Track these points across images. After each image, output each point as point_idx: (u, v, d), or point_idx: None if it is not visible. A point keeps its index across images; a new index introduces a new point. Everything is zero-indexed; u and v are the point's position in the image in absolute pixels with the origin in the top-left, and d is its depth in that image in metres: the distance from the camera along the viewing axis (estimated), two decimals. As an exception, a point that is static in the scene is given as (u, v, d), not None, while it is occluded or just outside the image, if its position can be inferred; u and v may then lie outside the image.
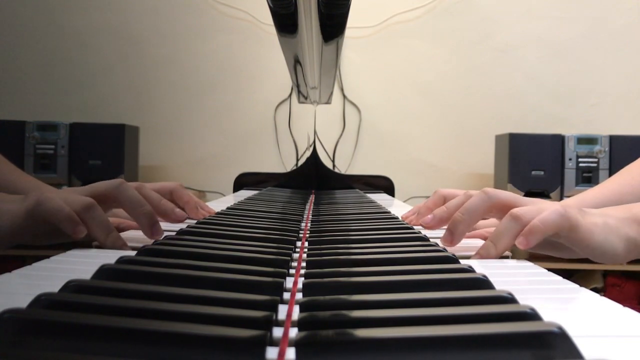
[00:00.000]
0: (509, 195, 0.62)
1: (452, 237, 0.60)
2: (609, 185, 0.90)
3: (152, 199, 0.66)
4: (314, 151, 1.56)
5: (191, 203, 0.82)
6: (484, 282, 0.37)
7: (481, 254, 0.56)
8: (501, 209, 0.60)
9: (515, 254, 0.58)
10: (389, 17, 2.50)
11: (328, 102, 1.55)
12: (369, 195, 1.33)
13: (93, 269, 0.38)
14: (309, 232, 0.67)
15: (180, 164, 2.51)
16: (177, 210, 0.70)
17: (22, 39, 2.50)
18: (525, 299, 0.33)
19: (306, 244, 0.58)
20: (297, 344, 0.26)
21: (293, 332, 0.29)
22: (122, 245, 0.57)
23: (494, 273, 0.42)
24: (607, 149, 2.17)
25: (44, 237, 0.59)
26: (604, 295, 0.38)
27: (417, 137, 2.51)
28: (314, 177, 1.54)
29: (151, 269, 0.39)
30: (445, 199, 0.79)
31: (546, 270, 0.48)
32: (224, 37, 2.51)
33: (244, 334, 0.26)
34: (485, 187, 0.63)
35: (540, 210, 0.55)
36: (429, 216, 0.70)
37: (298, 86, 1.37)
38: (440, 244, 0.58)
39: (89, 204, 0.57)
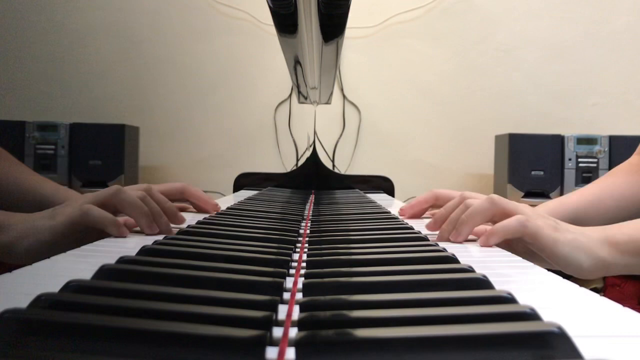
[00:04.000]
0: (513, 204, 0.66)
1: (458, 237, 0.66)
2: (590, 189, 0.95)
3: (158, 201, 0.69)
4: (314, 151, 1.56)
5: (203, 198, 0.89)
6: (483, 282, 0.37)
7: (457, 230, 0.65)
8: (503, 216, 0.65)
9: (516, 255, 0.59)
10: (389, 17, 2.50)
11: (328, 102, 1.55)
12: (369, 195, 1.33)
13: (93, 269, 0.38)
14: (309, 232, 0.67)
15: (180, 164, 2.51)
16: (180, 214, 0.73)
17: (22, 39, 2.50)
18: (525, 299, 0.33)
19: (306, 244, 0.58)
20: (297, 344, 0.26)
21: (293, 332, 0.29)
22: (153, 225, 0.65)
23: (493, 273, 0.42)
24: (606, 149, 2.17)
25: (76, 245, 0.63)
26: (604, 295, 0.38)
27: (417, 137, 2.51)
28: (313, 177, 1.54)
29: (151, 269, 0.39)
30: (437, 199, 0.87)
31: (546, 271, 0.48)
32: (224, 37, 2.51)
33: (244, 334, 0.26)
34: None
35: (517, 211, 0.63)
36: (431, 221, 0.73)
37: (298, 86, 1.37)
38: (440, 243, 0.60)
39: (116, 189, 0.64)
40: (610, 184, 0.95)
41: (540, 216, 0.64)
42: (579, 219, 0.88)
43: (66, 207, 0.62)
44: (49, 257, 0.59)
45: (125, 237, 0.62)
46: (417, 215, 0.90)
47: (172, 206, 0.72)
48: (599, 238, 0.62)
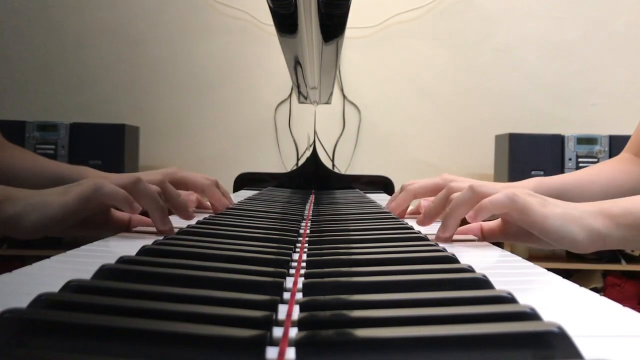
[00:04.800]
0: (492, 187, 0.65)
1: (445, 230, 0.66)
2: (577, 173, 0.95)
3: (171, 196, 0.71)
4: (314, 151, 1.56)
5: (222, 202, 0.91)
6: (483, 282, 0.37)
7: (443, 225, 0.65)
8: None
9: (516, 254, 0.59)
10: (389, 17, 2.50)
11: (328, 102, 1.55)
12: (368, 195, 1.33)
13: (93, 268, 0.38)
14: (309, 232, 0.67)
15: (180, 164, 2.51)
16: (190, 211, 0.74)
17: (22, 39, 2.50)
18: (525, 299, 0.33)
19: (306, 244, 0.58)
20: (297, 343, 0.26)
21: (293, 332, 0.29)
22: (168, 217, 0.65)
23: (493, 273, 0.42)
24: (606, 149, 2.17)
25: (86, 226, 0.65)
26: (604, 295, 0.38)
27: (417, 137, 2.51)
28: (313, 177, 1.54)
29: (151, 268, 0.39)
30: (415, 195, 0.88)
31: (546, 270, 0.48)
32: (224, 37, 2.51)
33: (244, 333, 0.26)
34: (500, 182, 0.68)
35: (498, 191, 0.62)
36: (421, 216, 0.74)
37: (298, 86, 1.37)
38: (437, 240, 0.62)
39: (136, 178, 0.64)
40: (597, 171, 0.95)
41: (527, 193, 0.62)
42: (566, 197, 0.87)
43: (80, 184, 0.61)
44: (56, 233, 0.60)
45: (137, 214, 0.62)
46: (402, 215, 0.91)
47: (183, 201, 0.73)
48: (593, 210, 0.60)
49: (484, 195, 0.63)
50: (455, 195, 0.67)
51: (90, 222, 0.65)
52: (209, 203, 0.93)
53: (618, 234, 0.60)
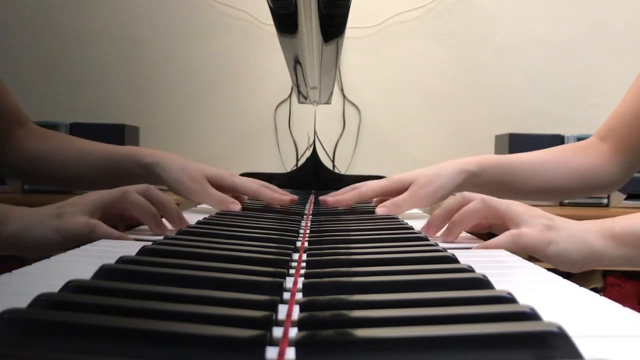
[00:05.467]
0: (505, 205, 0.67)
1: (449, 236, 0.68)
2: (529, 154, 0.98)
3: (160, 202, 0.70)
4: (314, 151, 1.56)
5: (280, 199, 0.91)
6: (483, 282, 0.37)
7: (448, 229, 0.68)
8: (496, 216, 0.66)
9: (516, 255, 0.59)
10: (389, 17, 2.50)
11: (328, 102, 1.55)
12: (369, 195, 1.32)
13: (93, 268, 0.38)
14: (309, 232, 0.67)
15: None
16: (184, 218, 0.73)
17: (22, 39, 2.50)
18: (525, 299, 0.33)
19: (306, 244, 0.58)
20: (297, 344, 0.26)
21: (293, 332, 0.29)
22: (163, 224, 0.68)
23: (493, 273, 0.42)
24: (607, 149, 2.17)
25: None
26: (604, 295, 0.38)
27: (417, 137, 2.51)
28: (313, 177, 1.54)
29: (151, 268, 0.39)
30: (400, 186, 0.90)
31: (546, 270, 0.48)
32: (224, 37, 2.51)
33: (244, 334, 0.26)
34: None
35: (509, 212, 0.64)
36: (428, 227, 0.73)
37: (298, 86, 1.37)
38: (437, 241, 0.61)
39: (122, 192, 0.65)
40: (553, 153, 0.97)
41: (533, 218, 0.64)
42: (512, 175, 0.89)
43: (72, 213, 0.62)
44: (55, 253, 0.61)
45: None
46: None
47: (175, 208, 0.72)
48: (596, 230, 0.62)
49: (494, 208, 0.66)
50: (469, 206, 0.68)
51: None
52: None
53: (619, 253, 0.62)
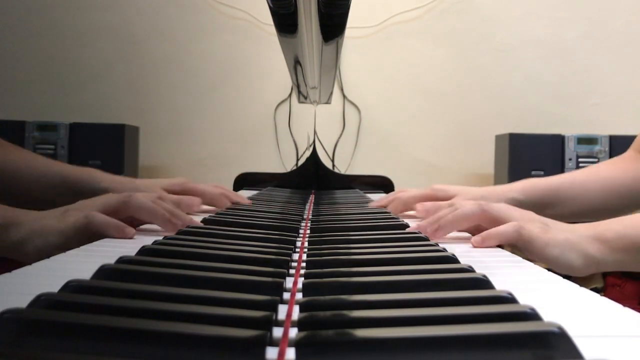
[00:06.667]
0: (503, 211, 0.67)
1: (436, 233, 0.67)
2: (574, 172, 0.98)
3: (165, 206, 0.70)
4: (314, 151, 1.56)
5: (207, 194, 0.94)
6: (484, 282, 0.37)
7: (439, 226, 0.67)
8: (492, 221, 0.67)
9: (516, 255, 0.59)
10: (389, 17, 2.50)
11: (328, 102, 1.55)
12: (369, 195, 1.33)
13: (93, 268, 0.38)
14: (309, 232, 0.67)
15: (180, 164, 2.51)
16: (190, 218, 0.72)
17: (22, 39, 2.50)
18: (525, 299, 0.33)
19: (306, 244, 0.58)
20: (297, 344, 0.26)
21: (293, 332, 0.29)
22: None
23: (493, 273, 0.41)
24: (607, 149, 2.17)
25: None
26: (604, 295, 0.38)
27: (417, 137, 2.51)
28: (313, 177, 1.54)
29: (151, 269, 0.39)
30: (405, 205, 0.91)
31: (546, 270, 0.48)
32: (224, 37, 2.51)
33: (244, 334, 0.26)
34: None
35: (507, 217, 0.65)
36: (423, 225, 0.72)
37: (298, 86, 1.37)
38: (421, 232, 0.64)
39: (125, 198, 0.66)
40: (595, 170, 0.98)
41: (531, 220, 0.65)
42: (554, 198, 0.90)
43: (74, 211, 0.63)
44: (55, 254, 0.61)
45: (132, 237, 0.63)
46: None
47: (180, 213, 0.72)
48: (589, 235, 0.63)
49: (490, 214, 0.66)
50: (463, 208, 0.68)
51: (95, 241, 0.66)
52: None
53: (612, 258, 0.62)
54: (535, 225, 0.63)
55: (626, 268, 0.64)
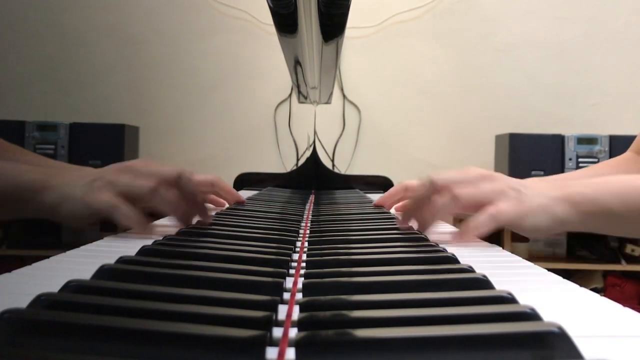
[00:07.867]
0: (472, 190, 0.65)
1: (423, 229, 0.67)
2: (574, 172, 0.97)
3: (191, 194, 0.70)
4: (314, 151, 1.56)
5: (232, 193, 0.94)
6: (484, 282, 0.37)
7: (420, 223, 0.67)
8: (469, 205, 0.66)
9: (516, 255, 0.59)
10: (389, 17, 2.50)
11: (328, 102, 1.55)
12: (369, 195, 1.33)
13: (93, 268, 0.38)
14: (309, 232, 0.67)
15: (180, 164, 2.50)
16: (207, 210, 0.72)
17: (22, 39, 2.50)
18: (525, 299, 0.33)
19: (306, 244, 0.58)
20: (297, 344, 0.25)
21: (293, 332, 0.29)
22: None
23: (493, 273, 0.41)
24: (607, 149, 2.17)
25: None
26: (604, 295, 0.38)
27: (417, 137, 2.51)
28: (313, 177, 1.54)
29: (151, 269, 0.39)
30: (407, 190, 0.90)
31: (546, 271, 0.48)
32: (224, 37, 2.51)
33: (244, 334, 0.26)
34: None
35: (479, 196, 0.63)
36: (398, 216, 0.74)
37: (298, 86, 1.37)
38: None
39: (151, 190, 0.65)
40: (598, 169, 0.98)
41: (502, 192, 0.63)
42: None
43: (102, 184, 0.62)
44: (87, 223, 0.63)
45: (151, 235, 0.63)
46: (389, 208, 0.94)
47: (202, 202, 0.72)
48: (558, 196, 0.63)
49: (467, 201, 0.65)
50: (438, 203, 0.66)
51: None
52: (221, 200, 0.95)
53: (579, 219, 0.63)
54: (509, 200, 0.62)
55: (591, 230, 0.64)
